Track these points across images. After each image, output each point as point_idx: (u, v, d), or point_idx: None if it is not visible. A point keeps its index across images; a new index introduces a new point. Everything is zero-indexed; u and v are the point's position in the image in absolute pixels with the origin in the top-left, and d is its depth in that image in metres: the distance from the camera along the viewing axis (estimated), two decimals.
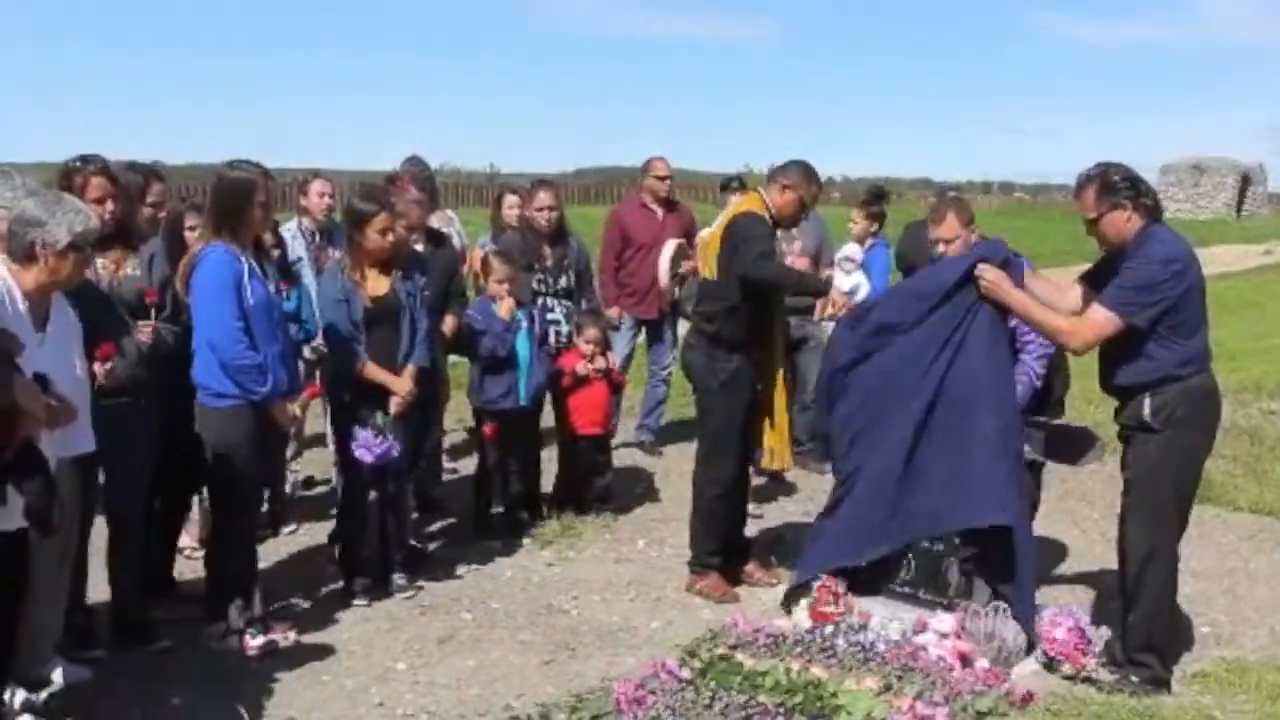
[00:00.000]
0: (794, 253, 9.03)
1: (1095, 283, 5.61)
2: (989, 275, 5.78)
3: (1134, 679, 5.49)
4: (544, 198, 8.28)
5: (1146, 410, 5.39)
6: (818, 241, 9.21)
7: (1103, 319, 5.38)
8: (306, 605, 6.49)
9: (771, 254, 6.76)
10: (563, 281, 8.25)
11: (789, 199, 6.70)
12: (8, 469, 4.04)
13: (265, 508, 7.13)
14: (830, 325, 7.36)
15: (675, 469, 9.25)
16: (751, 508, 8.24)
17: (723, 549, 6.90)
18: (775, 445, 6.91)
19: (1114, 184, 5.44)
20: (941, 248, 6.60)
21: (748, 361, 6.68)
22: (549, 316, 8.13)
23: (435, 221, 8.67)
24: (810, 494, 8.74)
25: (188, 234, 6.44)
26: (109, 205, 5.72)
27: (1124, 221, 5.43)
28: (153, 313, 5.76)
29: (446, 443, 9.37)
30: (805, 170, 6.78)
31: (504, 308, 7.53)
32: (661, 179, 9.44)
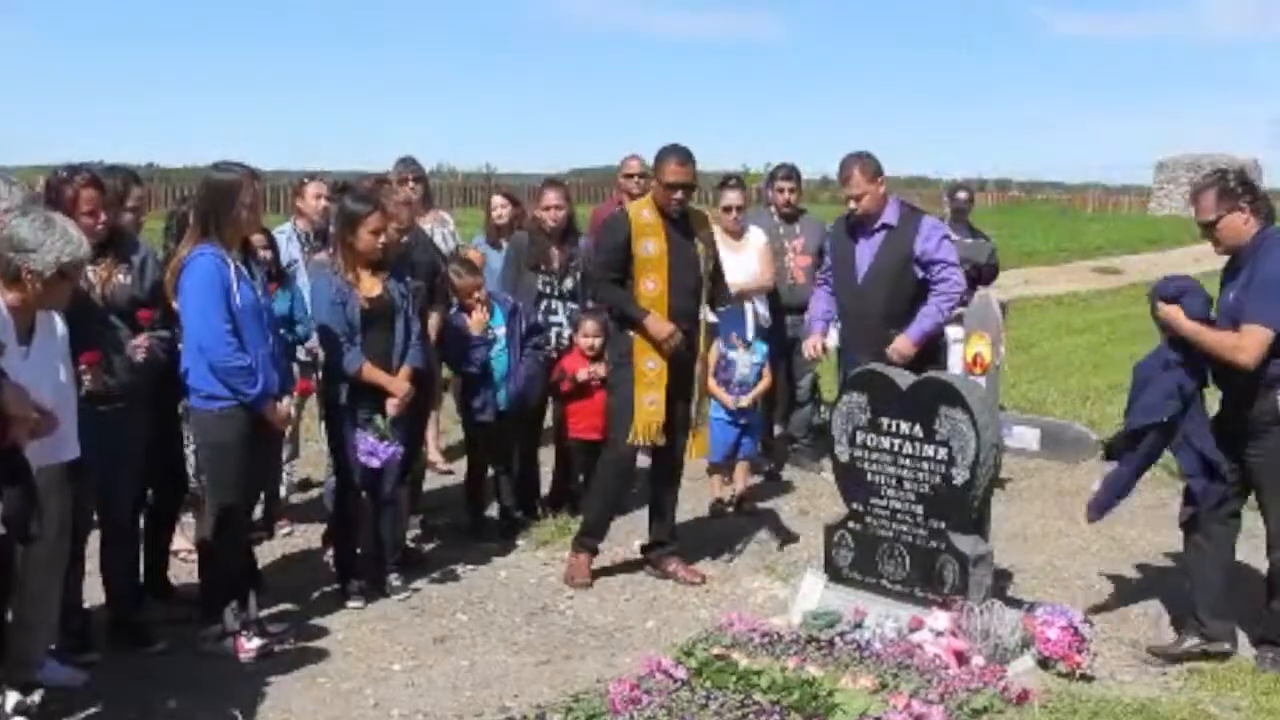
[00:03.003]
0: (796, 250, 9.05)
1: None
2: (1164, 310, 5.94)
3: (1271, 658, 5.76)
4: (551, 197, 8.13)
5: None
6: (820, 239, 9.23)
7: (1262, 336, 5.57)
8: (302, 607, 6.49)
9: (604, 264, 6.91)
10: (568, 283, 8.07)
11: (655, 189, 6.85)
12: None
13: (261, 510, 7.14)
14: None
15: None
16: (747, 506, 8.30)
17: (601, 532, 7.06)
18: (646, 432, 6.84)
19: (1232, 188, 5.70)
20: (852, 204, 6.80)
21: (634, 342, 6.80)
22: (552, 319, 8.02)
23: (429, 223, 8.67)
24: (806, 492, 8.75)
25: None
26: (100, 217, 5.73)
27: (1242, 224, 5.69)
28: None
29: (443, 444, 9.38)
30: (657, 156, 6.85)
31: (475, 322, 7.50)
32: (630, 176, 9.41)
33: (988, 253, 10.57)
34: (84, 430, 5.12)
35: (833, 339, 7.60)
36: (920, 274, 6.96)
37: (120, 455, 5.67)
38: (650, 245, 6.75)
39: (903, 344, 6.82)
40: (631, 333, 6.80)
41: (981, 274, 10.41)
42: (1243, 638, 6.02)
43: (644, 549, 7.22)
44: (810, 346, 7.45)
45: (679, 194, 6.76)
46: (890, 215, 7.02)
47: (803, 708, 5.08)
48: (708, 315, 7.19)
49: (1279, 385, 5.59)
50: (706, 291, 6.98)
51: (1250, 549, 6.35)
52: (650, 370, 6.78)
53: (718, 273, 7.17)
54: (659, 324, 6.72)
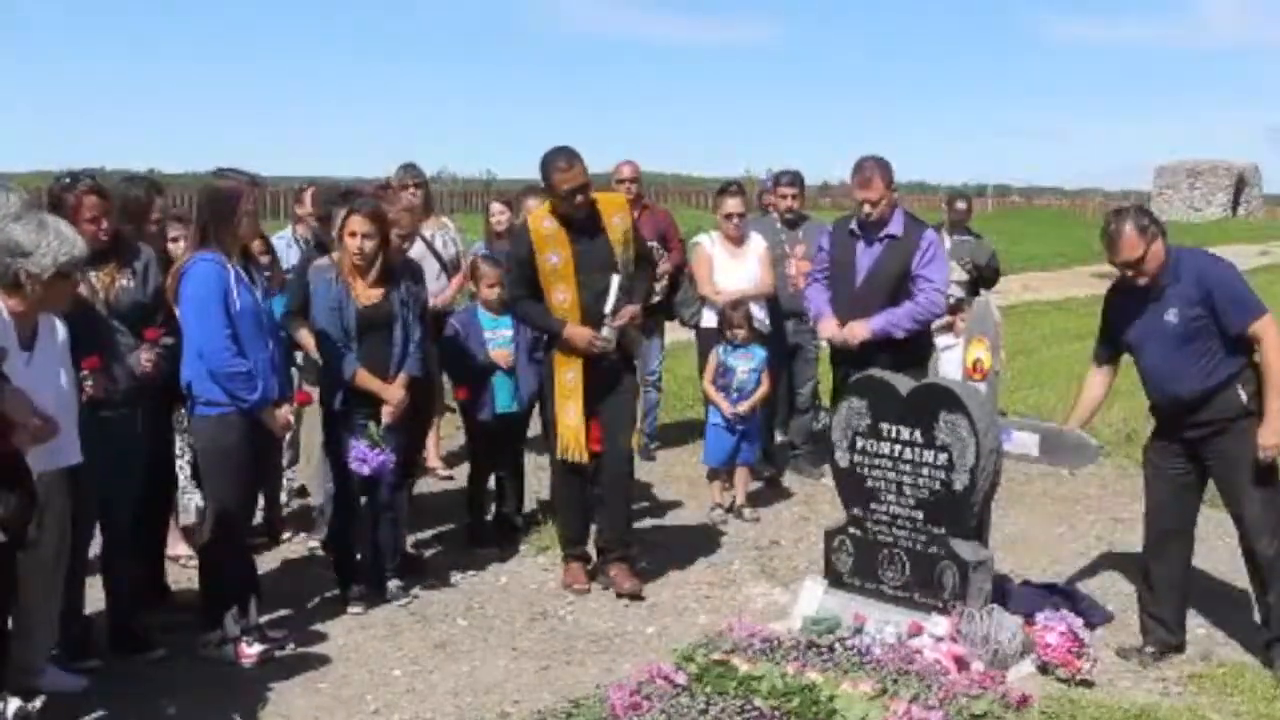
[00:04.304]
0: (796, 256, 9.07)
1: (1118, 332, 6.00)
2: None
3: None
4: (532, 204, 8.06)
5: (1244, 397, 5.67)
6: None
7: (1271, 323, 5.65)
8: (302, 613, 6.49)
9: (514, 281, 6.86)
10: None
11: (552, 199, 6.72)
12: None
13: (262, 516, 7.15)
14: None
15: (670, 473, 9.28)
16: (747, 512, 8.30)
17: (578, 539, 7.00)
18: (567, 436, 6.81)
19: (1146, 224, 5.71)
20: (868, 210, 6.81)
21: (554, 347, 6.80)
22: None
23: (430, 228, 8.68)
24: (805, 498, 8.75)
25: (170, 245, 6.48)
26: (103, 224, 5.74)
27: (1161, 250, 5.72)
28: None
29: (442, 450, 9.39)
30: (542, 163, 6.66)
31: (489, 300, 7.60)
32: (622, 182, 9.41)
33: (988, 254, 10.62)
34: (85, 436, 5.13)
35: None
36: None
37: (121, 461, 5.67)
38: (554, 257, 6.62)
39: (859, 326, 6.88)
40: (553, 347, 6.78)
41: (982, 274, 10.45)
42: (1242, 646, 6.03)
43: (598, 551, 7.12)
44: (834, 328, 7.27)
45: (577, 198, 6.58)
46: (896, 225, 7.04)
47: (803, 713, 5.08)
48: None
49: (1236, 382, 5.66)
50: (623, 286, 6.68)
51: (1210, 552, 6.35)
52: (568, 382, 6.73)
53: (642, 260, 6.97)
54: (577, 331, 6.62)
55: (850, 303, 7.08)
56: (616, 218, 6.76)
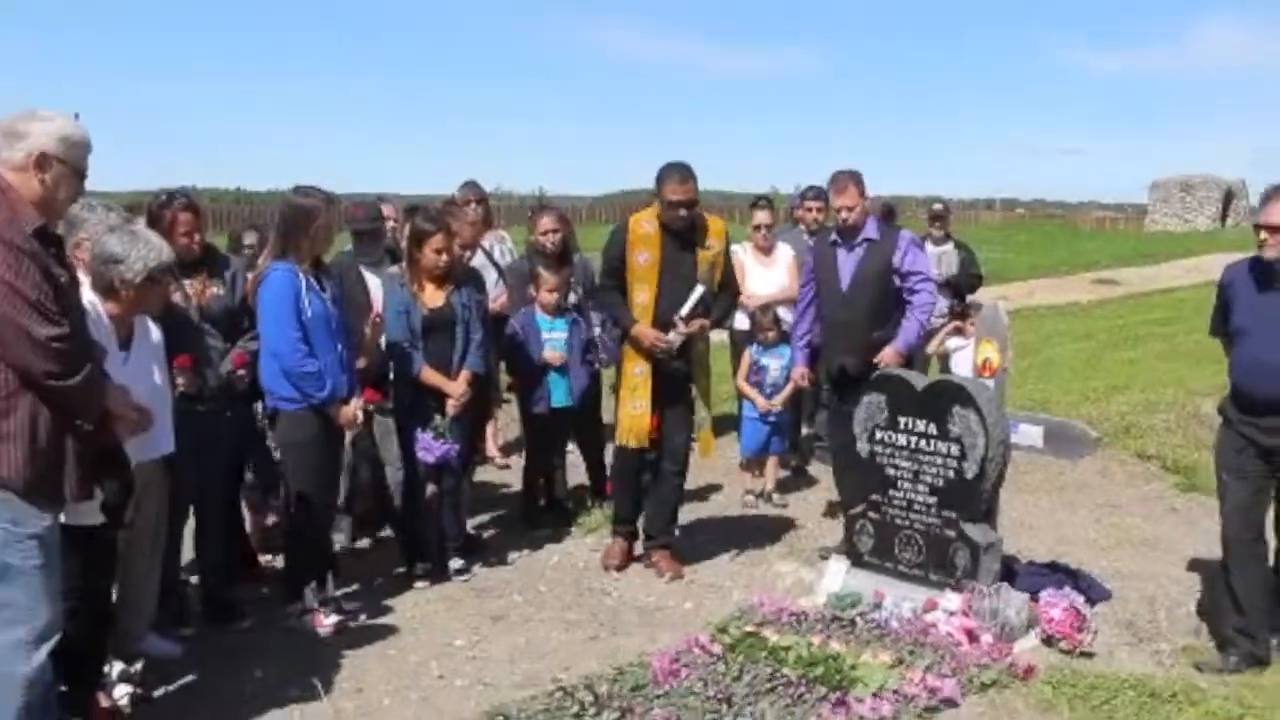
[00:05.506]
0: None
1: None
2: None
3: None
4: (547, 222, 7.92)
5: None
6: None
7: None
8: (373, 588, 6.51)
9: (604, 272, 6.79)
10: (571, 298, 7.80)
11: (659, 205, 6.61)
12: (92, 468, 4.06)
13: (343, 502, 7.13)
14: None
15: (706, 463, 9.23)
16: (777, 498, 8.26)
17: (626, 519, 6.96)
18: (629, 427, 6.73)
19: None
20: (845, 215, 6.72)
21: (625, 347, 6.75)
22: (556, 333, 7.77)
23: (489, 240, 8.67)
24: (829, 485, 8.65)
25: (246, 251, 6.53)
26: (195, 236, 5.79)
27: None
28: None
29: (500, 440, 9.39)
30: (659, 175, 6.61)
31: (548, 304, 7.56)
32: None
33: (956, 263, 10.32)
34: (178, 428, 5.15)
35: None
36: (897, 282, 6.89)
37: (212, 450, 5.71)
38: (644, 256, 6.56)
39: (890, 355, 6.73)
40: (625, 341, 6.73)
41: (957, 284, 10.14)
42: (1227, 622, 5.95)
43: (645, 536, 7.08)
44: (799, 376, 7.42)
45: (681, 211, 6.52)
46: (871, 230, 6.92)
47: (827, 680, 5.04)
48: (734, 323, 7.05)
49: None
50: (705, 299, 6.61)
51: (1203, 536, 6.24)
52: (636, 376, 6.66)
53: (726, 287, 6.88)
54: (642, 331, 6.56)
55: (839, 304, 6.95)
56: (712, 240, 6.69)
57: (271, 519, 6.90)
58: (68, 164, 3.91)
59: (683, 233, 6.59)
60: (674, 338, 6.53)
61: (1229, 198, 52.03)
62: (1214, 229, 49.31)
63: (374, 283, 6.83)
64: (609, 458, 7.62)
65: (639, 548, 7.03)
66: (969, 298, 9.76)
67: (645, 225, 6.62)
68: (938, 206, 11.07)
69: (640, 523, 7.03)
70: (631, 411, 6.66)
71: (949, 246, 10.41)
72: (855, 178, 6.85)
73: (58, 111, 3.98)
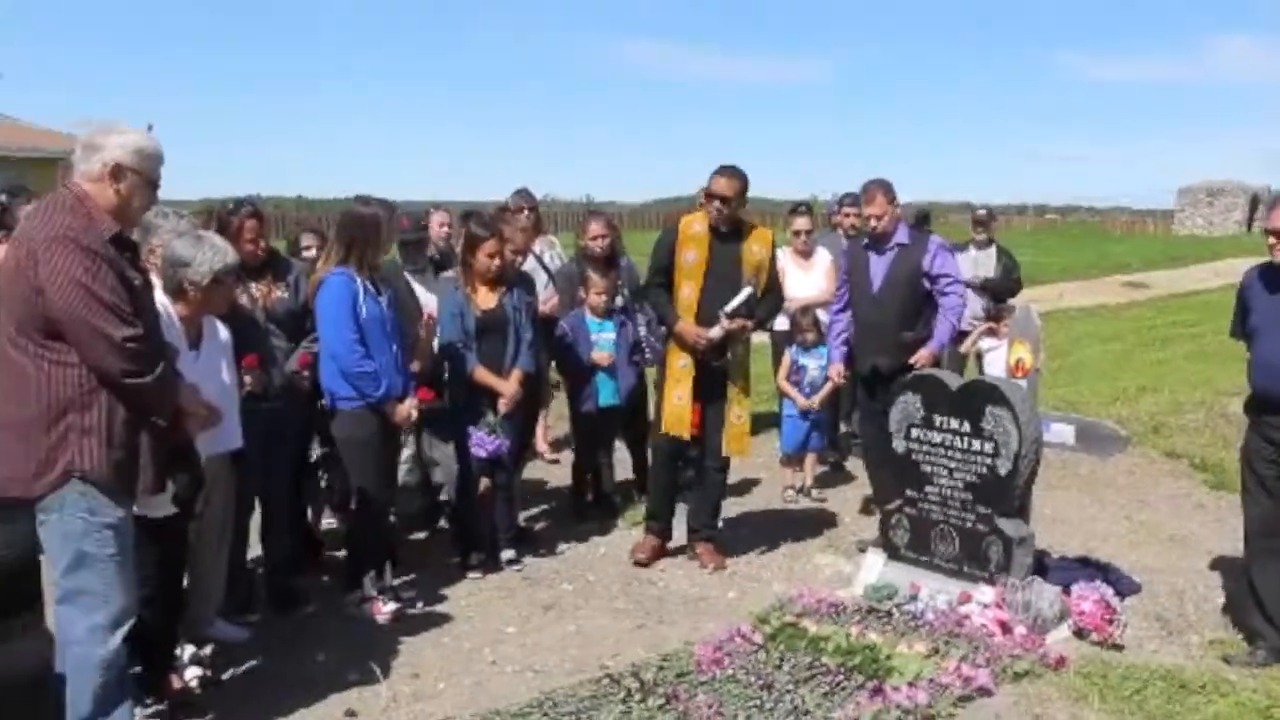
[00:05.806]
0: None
1: None
2: None
3: None
4: (595, 227, 7.95)
5: None
6: None
7: None
8: (429, 577, 6.55)
9: (653, 269, 6.75)
10: (618, 301, 7.83)
11: (707, 206, 6.62)
12: (165, 462, 4.13)
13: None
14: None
15: (748, 460, 9.23)
16: (815, 493, 8.27)
17: (659, 516, 6.94)
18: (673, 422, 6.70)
19: None
20: (874, 223, 6.72)
21: (670, 342, 6.72)
22: (604, 334, 7.79)
23: (539, 245, 8.72)
24: (866, 481, 8.64)
25: (305, 253, 6.67)
26: (261, 243, 5.88)
27: None
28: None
29: (550, 436, 9.43)
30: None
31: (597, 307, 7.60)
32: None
33: (995, 268, 10.22)
34: (246, 424, 5.23)
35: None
36: (927, 285, 6.91)
37: (277, 446, 5.79)
38: (691, 254, 6.58)
39: (926, 356, 6.78)
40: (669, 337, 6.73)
41: (997, 288, 10.04)
42: (1255, 615, 5.90)
43: (689, 530, 7.08)
44: (836, 374, 7.43)
45: (716, 203, 6.51)
46: (902, 235, 6.94)
47: (864, 669, 5.05)
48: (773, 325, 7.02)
49: None
50: (750, 300, 6.58)
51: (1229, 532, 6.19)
52: (680, 368, 6.64)
53: (770, 292, 6.82)
54: (685, 328, 6.55)
55: (871, 307, 6.98)
56: (757, 245, 6.68)
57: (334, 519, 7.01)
58: (141, 174, 3.99)
59: (729, 235, 6.62)
60: (716, 332, 6.54)
61: (1255, 203, 51.41)
62: (1240, 233, 48.75)
63: (419, 289, 6.91)
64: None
65: (674, 542, 7.04)
66: (1008, 301, 9.70)
67: (696, 226, 6.65)
68: (981, 212, 10.96)
69: (672, 521, 7.05)
70: (674, 401, 6.67)
71: (991, 250, 10.36)
72: (884, 187, 6.88)
73: (132, 126, 4.07)
